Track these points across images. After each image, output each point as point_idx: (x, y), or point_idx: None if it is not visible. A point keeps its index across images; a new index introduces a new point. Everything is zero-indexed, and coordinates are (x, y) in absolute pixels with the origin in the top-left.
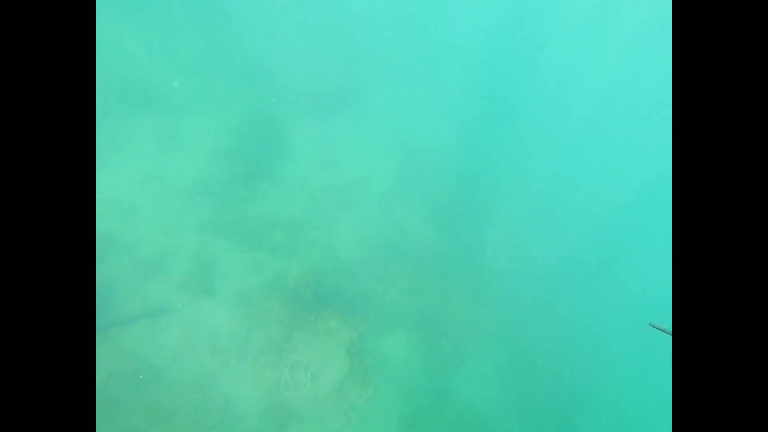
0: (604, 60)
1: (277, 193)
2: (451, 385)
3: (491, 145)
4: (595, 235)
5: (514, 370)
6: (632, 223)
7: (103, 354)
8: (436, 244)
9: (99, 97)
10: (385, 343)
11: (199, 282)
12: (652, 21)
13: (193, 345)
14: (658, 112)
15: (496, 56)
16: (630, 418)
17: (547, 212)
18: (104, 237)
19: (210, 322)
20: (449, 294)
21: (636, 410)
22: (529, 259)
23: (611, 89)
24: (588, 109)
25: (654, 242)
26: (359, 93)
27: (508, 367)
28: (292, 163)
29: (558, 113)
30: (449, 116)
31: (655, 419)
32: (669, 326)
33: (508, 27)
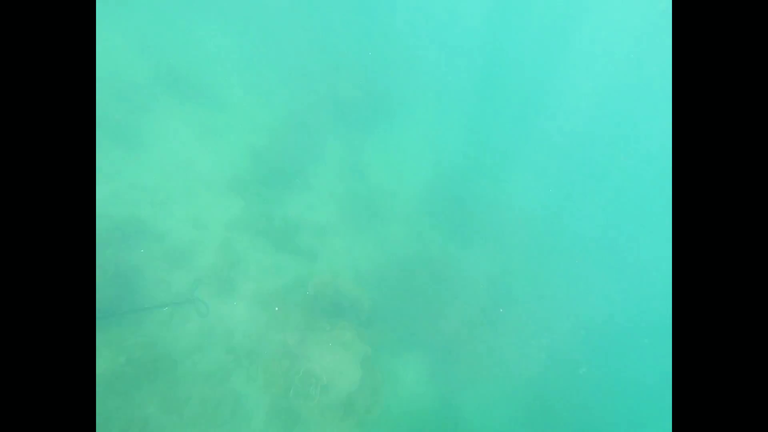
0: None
1: (305, 196)
2: (461, 412)
3: (518, 170)
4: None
5: (526, 402)
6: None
7: (125, 337)
8: (458, 265)
9: (146, 83)
10: (398, 362)
11: (222, 278)
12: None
13: (210, 340)
14: (658, 111)
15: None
16: None
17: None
18: (135, 222)
19: (228, 319)
20: (468, 319)
21: None
22: (551, 294)
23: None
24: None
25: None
26: (396, 105)
27: (520, 399)
28: (323, 169)
29: (579, 127)
30: (479, 137)
31: None
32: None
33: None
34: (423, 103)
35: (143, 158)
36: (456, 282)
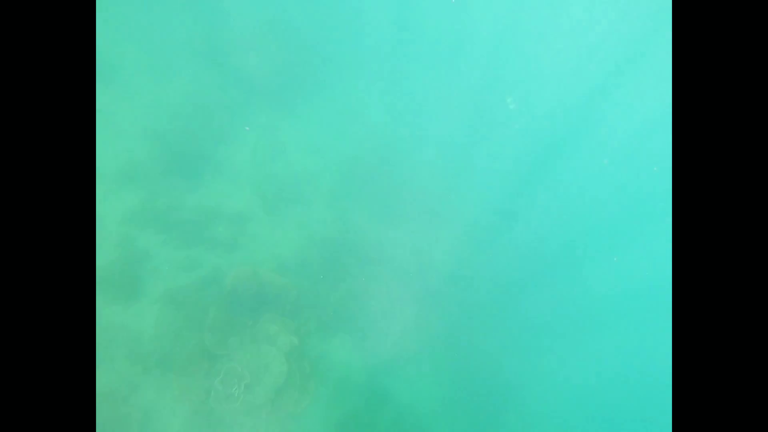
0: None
1: (218, 183)
2: (390, 388)
3: (447, 147)
4: (540, 241)
5: (452, 373)
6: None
7: None
8: (382, 244)
9: None
10: (326, 347)
11: (122, 280)
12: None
13: (109, 353)
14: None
15: (472, 52)
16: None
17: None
18: None
19: (133, 325)
20: (393, 296)
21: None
22: (476, 264)
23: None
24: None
25: (598, 249)
26: (316, 83)
27: (447, 370)
28: (238, 152)
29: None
30: (404, 116)
31: (580, 423)
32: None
33: (486, 22)
34: (343, 79)
35: None
36: (380, 264)
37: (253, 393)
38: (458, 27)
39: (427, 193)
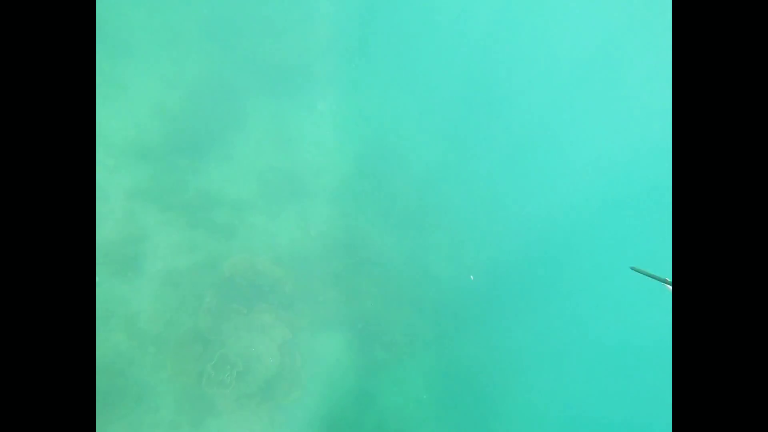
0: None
1: (223, 168)
2: (377, 389)
3: (449, 152)
4: (539, 249)
5: (440, 378)
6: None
7: None
8: (381, 246)
9: None
10: (318, 343)
11: (124, 255)
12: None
13: (109, 325)
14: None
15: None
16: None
17: (496, 222)
18: None
19: (132, 301)
20: (388, 299)
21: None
22: (471, 272)
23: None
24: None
25: (582, 260)
26: (327, 75)
27: (435, 375)
28: (244, 138)
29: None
30: (414, 117)
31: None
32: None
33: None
34: (355, 76)
35: None
36: (378, 266)
37: (245, 381)
38: (469, 28)
39: (429, 198)
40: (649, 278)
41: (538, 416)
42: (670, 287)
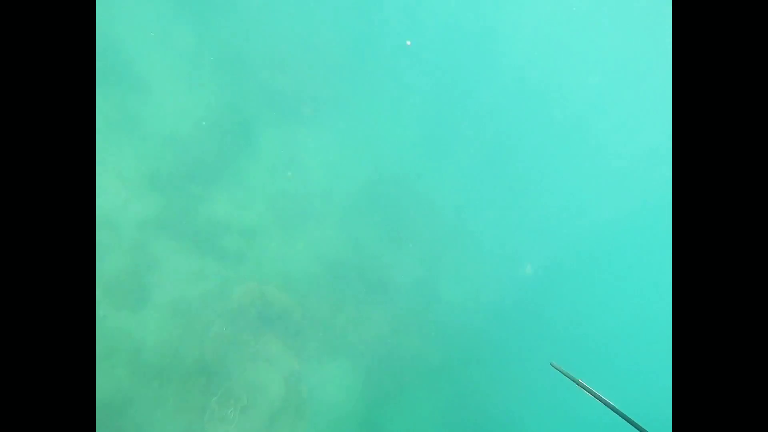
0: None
1: (234, 194)
2: (386, 418)
3: (460, 175)
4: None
5: (450, 409)
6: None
7: None
8: (392, 270)
9: None
10: (325, 372)
11: (132, 285)
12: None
13: (111, 360)
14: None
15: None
16: None
17: (508, 247)
18: None
19: (137, 333)
20: (397, 325)
21: None
22: (482, 297)
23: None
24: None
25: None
26: (337, 103)
27: (445, 405)
28: (255, 165)
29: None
30: (424, 142)
31: None
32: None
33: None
34: (365, 101)
35: None
36: (388, 291)
37: (249, 416)
38: (480, 56)
39: (439, 223)
40: (566, 377)
41: None
42: (585, 390)
